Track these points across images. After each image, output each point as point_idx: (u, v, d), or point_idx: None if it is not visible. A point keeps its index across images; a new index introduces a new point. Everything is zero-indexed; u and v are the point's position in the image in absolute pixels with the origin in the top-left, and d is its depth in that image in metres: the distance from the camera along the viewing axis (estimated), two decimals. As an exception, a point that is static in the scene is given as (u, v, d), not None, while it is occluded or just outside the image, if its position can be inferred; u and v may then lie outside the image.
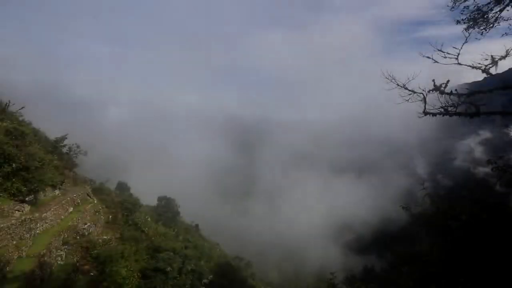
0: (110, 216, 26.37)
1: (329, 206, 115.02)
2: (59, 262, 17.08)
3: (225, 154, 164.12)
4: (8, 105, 23.25)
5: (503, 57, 6.70)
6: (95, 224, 22.66)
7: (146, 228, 27.98)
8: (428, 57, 7.33)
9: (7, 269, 13.44)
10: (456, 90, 7.02)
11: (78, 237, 20.07)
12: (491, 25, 6.98)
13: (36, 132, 26.11)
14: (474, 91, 6.80)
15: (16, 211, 16.20)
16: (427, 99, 7.19)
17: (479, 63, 6.84)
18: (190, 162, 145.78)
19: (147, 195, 39.81)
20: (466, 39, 7.10)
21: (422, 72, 7.29)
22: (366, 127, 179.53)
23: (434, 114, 7.27)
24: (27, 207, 17.24)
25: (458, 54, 6.96)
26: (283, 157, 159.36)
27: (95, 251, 19.40)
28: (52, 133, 29.29)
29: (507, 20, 6.75)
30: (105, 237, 22.44)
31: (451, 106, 7.00)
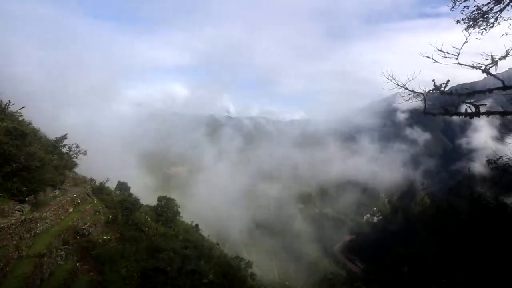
0: (110, 216, 26.35)
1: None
2: (59, 262, 17.05)
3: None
4: (8, 105, 23.21)
5: (503, 57, 6.69)
6: (95, 224, 22.64)
7: (146, 228, 27.94)
8: (428, 57, 7.33)
9: (7, 269, 13.42)
10: (456, 90, 7.02)
11: (78, 237, 20.06)
12: (491, 25, 6.96)
13: (36, 132, 26.08)
14: (474, 91, 6.80)
15: (16, 211, 16.19)
16: (427, 99, 7.20)
17: (479, 63, 6.84)
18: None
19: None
20: (466, 39, 7.08)
21: (422, 72, 7.28)
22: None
23: (434, 114, 7.29)
24: (27, 207, 17.23)
25: (458, 54, 6.95)
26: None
27: (95, 251, 19.42)
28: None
29: (507, 20, 6.73)
30: (105, 237, 22.42)
31: (451, 106, 7.00)
